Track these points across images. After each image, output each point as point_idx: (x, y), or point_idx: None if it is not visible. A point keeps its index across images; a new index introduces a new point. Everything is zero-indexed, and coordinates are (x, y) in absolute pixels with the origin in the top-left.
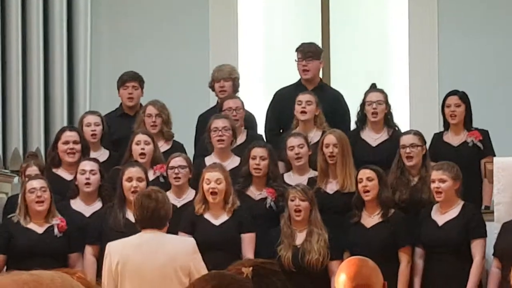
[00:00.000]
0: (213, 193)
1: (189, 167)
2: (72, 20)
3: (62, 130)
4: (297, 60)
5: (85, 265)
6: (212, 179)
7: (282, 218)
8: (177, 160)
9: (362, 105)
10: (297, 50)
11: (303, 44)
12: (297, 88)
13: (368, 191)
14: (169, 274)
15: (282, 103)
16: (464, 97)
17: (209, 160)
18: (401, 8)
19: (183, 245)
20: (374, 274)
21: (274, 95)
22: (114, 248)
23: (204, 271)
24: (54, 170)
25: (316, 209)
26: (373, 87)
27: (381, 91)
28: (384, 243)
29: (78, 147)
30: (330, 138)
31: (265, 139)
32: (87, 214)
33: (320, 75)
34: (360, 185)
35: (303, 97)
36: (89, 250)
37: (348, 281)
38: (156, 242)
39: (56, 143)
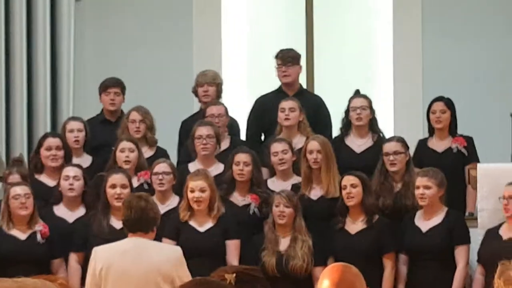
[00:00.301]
0: (198, 202)
1: (173, 173)
2: (56, 25)
3: (45, 136)
4: (276, 66)
5: (69, 273)
6: (196, 188)
7: (266, 224)
8: (161, 166)
9: (347, 111)
10: (276, 56)
11: (281, 50)
12: (278, 94)
13: (352, 197)
14: (152, 281)
15: (263, 109)
16: (449, 103)
17: (192, 166)
18: (385, 15)
19: (168, 253)
20: (358, 280)
21: (255, 102)
22: (100, 253)
23: (187, 279)
24: (36, 176)
25: (301, 216)
26: (357, 93)
27: (365, 96)
28: (368, 249)
29: (60, 153)
30: (313, 145)
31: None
32: (71, 220)
33: (303, 82)
34: (344, 192)
35: (286, 104)
36: (74, 257)
37: (332, 287)
38: (141, 249)
39: (38, 149)
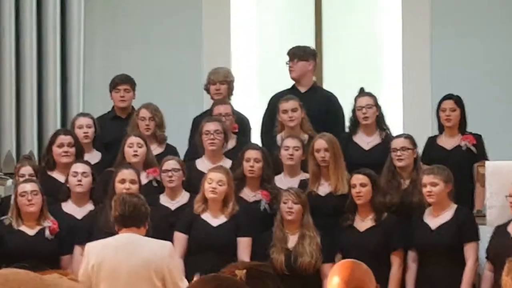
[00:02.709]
0: (213, 192)
1: (183, 170)
2: (66, 23)
3: (57, 134)
4: (287, 63)
5: (74, 266)
6: (214, 179)
7: (275, 221)
8: (170, 163)
9: (353, 111)
10: (287, 53)
11: (292, 47)
12: (291, 92)
13: (361, 196)
14: (143, 277)
15: (276, 108)
16: (459, 101)
17: (200, 162)
18: (394, 12)
19: (159, 248)
20: (368, 277)
21: (269, 100)
22: (92, 249)
23: (178, 275)
24: (49, 172)
25: (308, 213)
26: (361, 91)
27: (370, 94)
28: (377, 246)
29: (72, 150)
30: (321, 143)
31: (261, 143)
32: (79, 217)
33: (314, 78)
34: (353, 191)
35: (287, 106)
36: (78, 250)
37: (342, 284)
38: (132, 245)
39: (50, 146)
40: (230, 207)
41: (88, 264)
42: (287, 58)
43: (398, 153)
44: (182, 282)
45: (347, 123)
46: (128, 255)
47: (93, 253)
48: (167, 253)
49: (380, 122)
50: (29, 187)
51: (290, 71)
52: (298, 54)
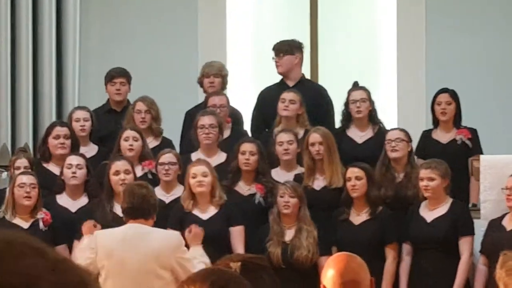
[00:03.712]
0: (200, 185)
1: (179, 164)
2: (61, 15)
3: (53, 125)
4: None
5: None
6: (198, 173)
7: (271, 215)
8: (167, 157)
9: (346, 104)
10: (272, 49)
11: (277, 43)
12: (280, 86)
13: (356, 190)
14: (151, 268)
15: (266, 102)
16: (454, 95)
17: (195, 156)
18: (389, 6)
19: (168, 239)
20: (363, 270)
21: (258, 95)
22: (100, 238)
23: (189, 265)
24: (44, 164)
25: (305, 206)
26: (355, 85)
27: (364, 88)
28: (372, 240)
29: (68, 142)
30: (315, 137)
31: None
32: (73, 210)
33: (307, 73)
34: (348, 184)
35: (287, 96)
36: (76, 245)
37: (337, 276)
38: (140, 236)
39: (46, 138)
40: (217, 196)
41: (95, 252)
42: None
43: (393, 143)
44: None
45: (339, 117)
46: (136, 246)
47: (101, 243)
48: (176, 243)
49: (373, 116)
50: (28, 179)
51: (277, 66)
52: (283, 48)
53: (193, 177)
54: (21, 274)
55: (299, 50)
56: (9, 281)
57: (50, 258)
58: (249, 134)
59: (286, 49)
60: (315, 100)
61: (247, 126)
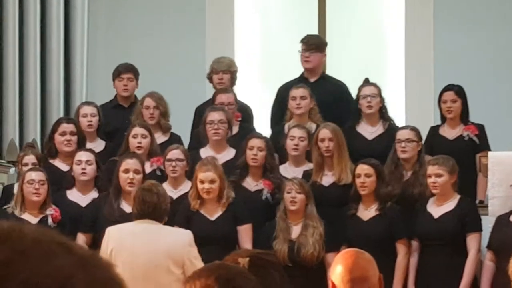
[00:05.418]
0: (208, 192)
1: (187, 160)
2: (69, 11)
3: (59, 122)
4: (300, 51)
5: None
6: (205, 180)
7: (278, 211)
8: (174, 153)
9: (357, 99)
10: (301, 41)
11: (307, 35)
12: (300, 81)
13: (366, 187)
14: (161, 264)
15: (285, 97)
16: (460, 92)
17: (204, 152)
18: (397, 3)
19: (179, 237)
20: (371, 266)
21: (278, 91)
22: (113, 234)
23: (199, 263)
24: (50, 160)
25: (312, 203)
26: (366, 81)
27: (375, 85)
28: (380, 236)
29: (74, 138)
30: (325, 133)
31: (271, 134)
32: (83, 204)
33: None
34: (358, 180)
35: (296, 92)
36: (81, 238)
37: (346, 272)
38: (152, 232)
39: (52, 134)
40: (225, 197)
41: (107, 248)
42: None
43: (403, 144)
44: None
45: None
46: (146, 242)
47: (113, 237)
48: (187, 241)
49: (383, 113)
50: (37, 176)
51: (305, 60)
52: (315, 44)
53: (201, 183)
54: (53, 274)
55: (325, 47)
56: (42, 283)
57: (78, 253)
58: (261, 127)
59: (318, 45)
60: (335, 96)
61: (256, 121)
